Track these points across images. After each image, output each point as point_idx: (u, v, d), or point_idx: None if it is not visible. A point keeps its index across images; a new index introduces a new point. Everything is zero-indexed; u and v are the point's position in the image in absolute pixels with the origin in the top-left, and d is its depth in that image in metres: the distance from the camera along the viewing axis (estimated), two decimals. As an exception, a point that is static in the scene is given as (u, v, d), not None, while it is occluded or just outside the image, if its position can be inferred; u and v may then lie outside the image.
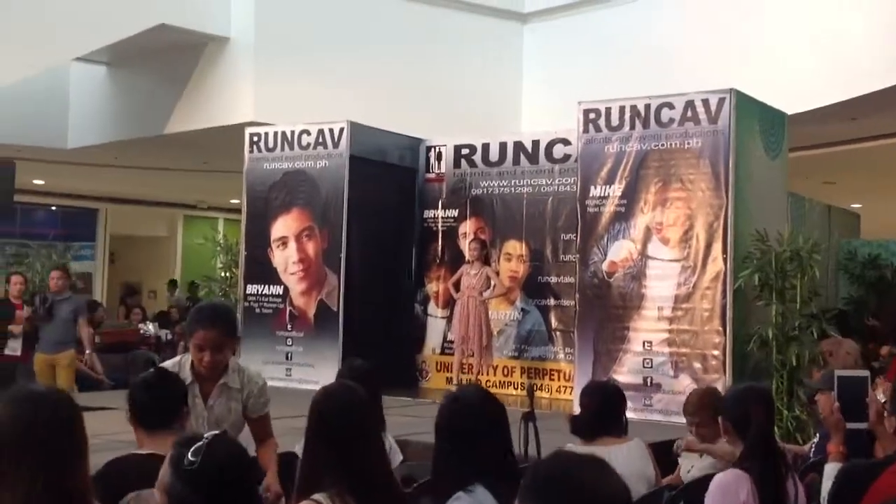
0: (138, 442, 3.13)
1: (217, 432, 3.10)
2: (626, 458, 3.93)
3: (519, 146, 9.53)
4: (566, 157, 9.12)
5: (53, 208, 17.55)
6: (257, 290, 9.58)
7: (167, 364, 3.85)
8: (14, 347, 9.02)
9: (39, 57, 10.19)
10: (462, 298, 8.89)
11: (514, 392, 9.20)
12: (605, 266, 7.92)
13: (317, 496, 2.64)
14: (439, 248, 9.81)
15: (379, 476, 2.75)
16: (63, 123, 12.61)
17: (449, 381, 8.91)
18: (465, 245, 9.59)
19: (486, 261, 8.94)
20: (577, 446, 4.01)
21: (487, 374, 9.24)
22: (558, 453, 1.87)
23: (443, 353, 9.64)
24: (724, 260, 7.45)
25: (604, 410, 4.03)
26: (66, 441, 2.13)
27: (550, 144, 9.32)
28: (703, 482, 4.15)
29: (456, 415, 2.76)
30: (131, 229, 18.23)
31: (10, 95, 10.25)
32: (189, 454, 2.30)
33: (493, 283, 8.95)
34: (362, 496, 2.64)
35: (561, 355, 9.05)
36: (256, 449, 3.90)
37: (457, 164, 9.82)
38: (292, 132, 9.60)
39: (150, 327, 12.49)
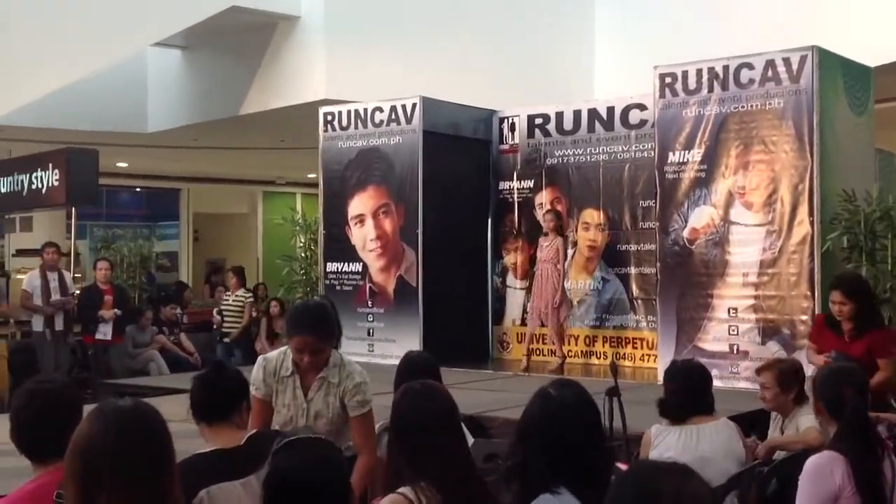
0: (202, 436, 3.19)
1: (300, 436, 3.15)
2: (715, 437, 3.89)
3: (593, 113, 9.39)
4: (642, 123, 8.95)
5: (138, 189, 17.97)
6: (337, 268, 9.69)
7: (271, 355, 3.90)
8: (105, 332, 9.32)
9: (118, 45, 10.40)
10: (537, 270, 8.78)
11: (596, 362, 9.14)
12: (686, 233, 7.78)
13: (402, 490, 2.67)
14: (515, 220, 9.76)
15: (462, 470, 2.76)
16: (143, 108, 12.89)
17: (528, 355, 8.75)
18: (541, 216, 9.54)
19: (560, 231, 8.76)
20: (665, 426, 3.97)
21: (569, 344, 9.20)
22: (641, 464, 1.85)
23: (523, 324, 9.62)
24: (811, 223, 7.26)
25: (689, 391, 3.99)
26: (153, 456, 2.15)
27: (626, 110, 9.16)
28: (794, 460, 4.08)
29: (549, 416, 2.65)
30: (213, 207, 18.56)
31: (91, 84, 10.49)
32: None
33: (560, 254, 8.71)
34: (447, 490, 2.66)
35: (643, 323, 8.95)
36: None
37: (530, 134, 9.73)
38: (365, 110, 9.62)
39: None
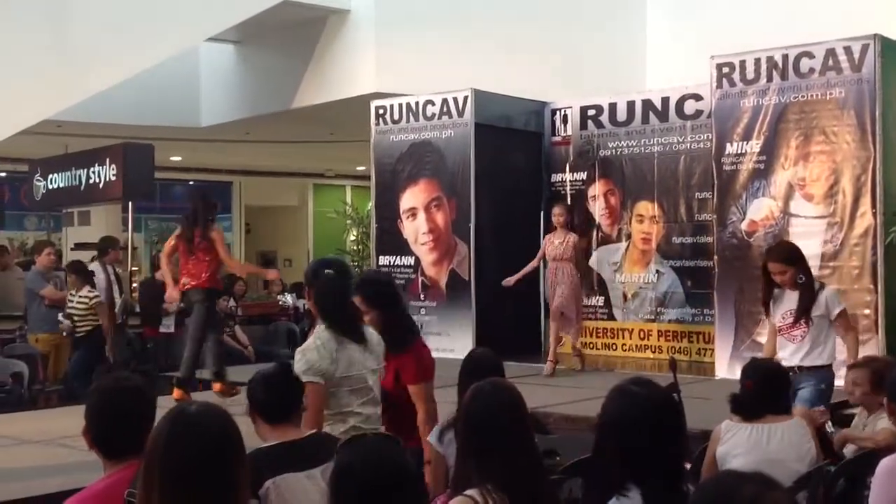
0: (260, 435, 3.19)
1: (366, 433, 3.15)
2: (786, 438, 3.82)
3: (648, 104, 9.27)
4: (698, 113, 8.83)
5: (191, 183, 18.16)
6: (389, 262, 9.71)
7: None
8: (168, 325, 9.44)
9: (173, 40, 10.50)
10: (550, 269, 8.29)
11: (650, 356, 9.05)
12: (744, 225, 7.67)
13: (470, 492, 2.65)
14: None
15: (530, 472, 2.74)
16: (196, 102, 13.02)
17: (577, 352, 8.50)
18: (595, 208, 9.47)
19: (570, 227, 8.35)
20: (736, 423, 3.91)
21: (623, 337, 9.11)
22: (724, 473, 1.82)
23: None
24: (874, 214, 7.13)
25: (765, 390, 3.93)
26: (223, 459, 2.17)
27: (681, 100, 9.03)
28: (862, 459, 4.00)
29: (626, 414, 2.60)
30: (264, 200, 18.71)
31: (146, 79, 10.60)
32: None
33: (578, 250, 8.30)
34: (514, 493, 2.64)
35: (699, 317, 8.82)
36: None
37: (583, 126, 9.64)
38: (417, 103, 9.62)
39: (289, 298, 12.82)
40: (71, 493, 3.59)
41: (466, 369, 3.94)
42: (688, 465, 3.33)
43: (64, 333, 9.18)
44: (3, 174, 11.99)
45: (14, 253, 12.01)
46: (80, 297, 9.03)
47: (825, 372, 5.17)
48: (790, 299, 5.20)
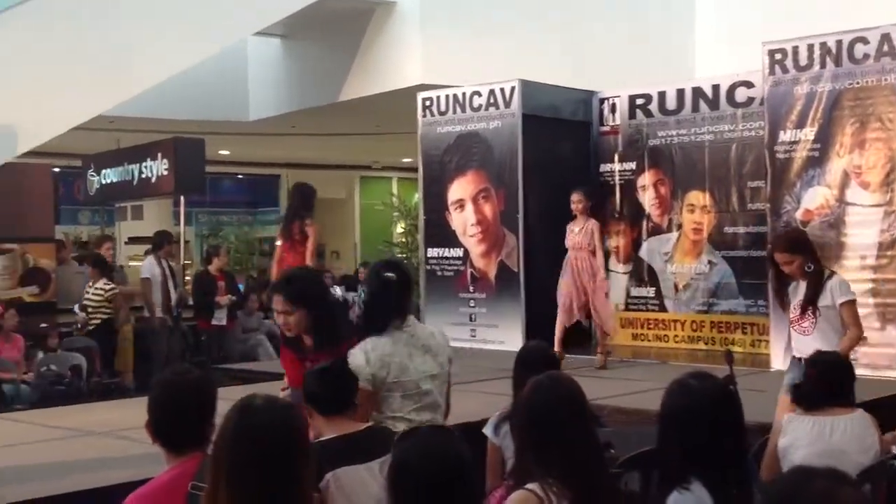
0: (315, 428, 3.19)
1: (423, 425, 3.16)
2: (850, 430, 3.77)
3: (698, 92, 9.16)
4: (750, 101, 8.70)
5: (239, 176, 18.34)
6: (438, 254, 9.72)
7: None
8: (220, 317, 9.57)
9: (222, 34, 10.61)
10: (569, 258, 7.99)
11: (703, 347, 8.97)
12: (798, 214, 7.55)
13: (530, 486, 2.65)
14: (617, 203, 9.61)
15: (591, 464, 2.73)
16: (244, 97, 13.13)
17: (605, 349, 8.19)
18: (645, 198, 9.39)
19: (590, 214, 8.01)
20: (799, 415, 3.86)
21: (674, 329, 9.03)
22: (795, 469, 1.80)
23: (627, 309, 9.50)
24: (933, 202, 6.95)
25: (829, 381, 3.87)
26: (288, 453, 2.19)
27: (732, 88, 8.90)
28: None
29: (687, 408, 2.60)
30: (311, 193, 18.81)
31: (195, 74, 10.71)
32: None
33: (597, 239, 7.95)
34: (575, 486, 2.63)
35: (753, 308, 8.71)
36: None
37: (632, 115, 9.55)
38: (463, 94, 9.61)
39: (338, 291, 12.89)
40: (134, 484, 3.65)
41: (521, 362, 3.92)
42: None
43: (78, 325, 9.40)
44: (57, 169, 12.19)
45: (69, 247, 12.22)
46: (96, 288, 9.36)
47: None
48: (802, 290, 4.98)
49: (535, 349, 4.04)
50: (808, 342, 4.89)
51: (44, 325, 9.34)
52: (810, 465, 1.86)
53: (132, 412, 6.28)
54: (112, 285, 9.51)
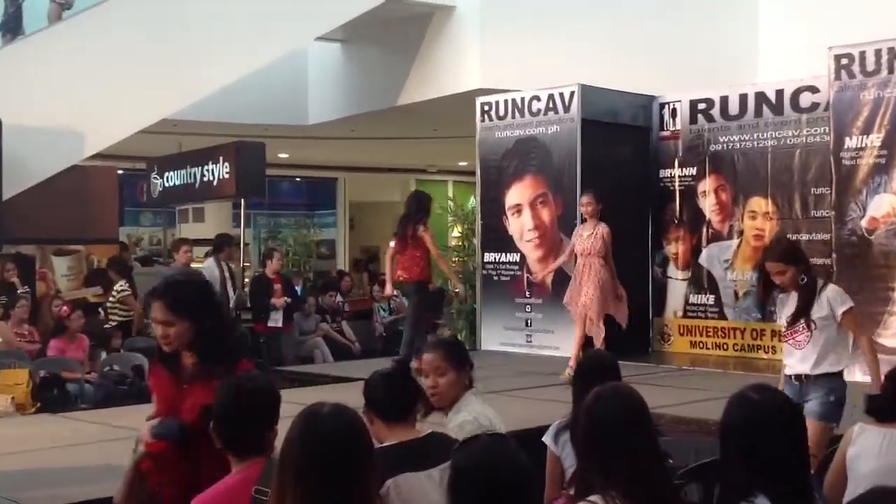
0: (376, 435, 3.17)
1: (483, 433, 3.15)
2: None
3: (761, 97, 9.02)
4: (814, 106, 8.55)
5: (297, 179, 18.52)
6: (494, 258, 9.71)
7: None
8: (276, 319, 9.66)
9: (284, 40, 10.75)
10: (578, 265, 7.60)
11: (763, 356, 8.81)
12: (864, 222, 7.40)
13: (593, 498, 2.63)
14: (677, 208, 9.51)
15: (654, 478, 2.70)
16: (304, 101, 13.27)
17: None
18: (705, 204, 9.27)
19: (601, 217, 7.59)
20: (869, 426, 3.77)
21: (734, 337, 8.89)
22: (876, 490, 1.76)
23: (685, 316, 9.39)
24: None
25: None
26: (353, 461, 2.21)
27: (796, 93, 8.75)
28: None
29: (748, 421, 2.54)
30: (368, 196, 18.93)
31: (256, 79, 10.86)
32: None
33: (607, 244, 7.45)
34: (638, 499, 2.60)
35: (815, 317, 8.53)
36: None
37: (693, 120, 9.45)
38: (522, 99, 9.59)
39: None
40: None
41: (583, 370, 3.88)
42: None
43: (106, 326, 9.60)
44: (121, 172, 12.43)
45: (131, 249, 12.46)
46: (114, 290, 9.57)
47: (835, 380, 4.68)
48: (794, 302, 4.75)
49: (596, 357, 4.00)
50: (802, 356, 4.70)
51: (107, 325, 9.53)
52: (888, 486, 1.82)
53: (193, 413, 6.38)
54: (125, 288, 9.73)
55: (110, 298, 9.73)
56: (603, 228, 7.47)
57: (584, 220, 7.65)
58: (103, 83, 9.49)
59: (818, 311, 4.66)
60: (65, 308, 8.93)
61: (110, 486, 4.42)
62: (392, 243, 7.90)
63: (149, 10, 9.98)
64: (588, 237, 7.50)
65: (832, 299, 4.69)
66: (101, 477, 4.68)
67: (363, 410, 3.28)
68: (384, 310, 11.71)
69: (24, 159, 8.95)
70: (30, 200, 9.26)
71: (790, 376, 4.72)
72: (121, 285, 9.69)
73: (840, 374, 4.72)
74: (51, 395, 7.59)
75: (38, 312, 9.19)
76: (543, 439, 3.87)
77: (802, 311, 4.68)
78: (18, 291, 9.02)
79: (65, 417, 6.59)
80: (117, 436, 5.71)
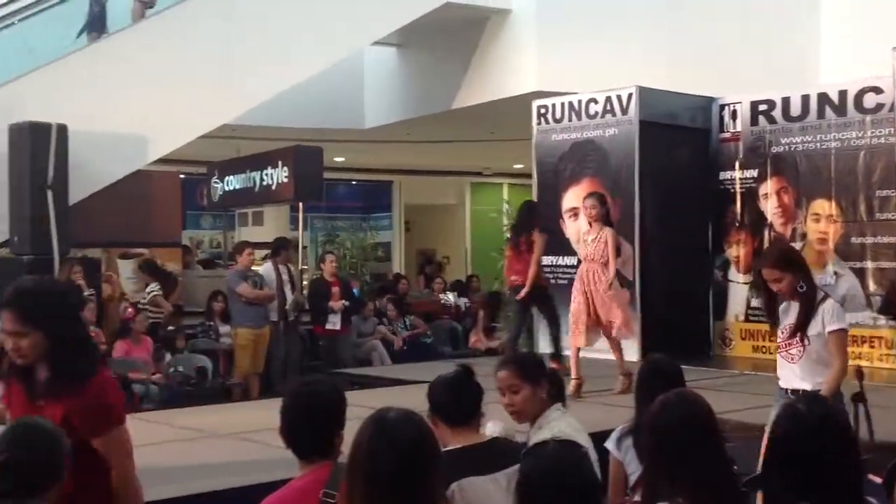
0: (440, 439, 3.19)
1: (551, 439, 3.15)
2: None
3: (824, 98, 8.87)
4: (879, 107, 8.40)
5: (353, 183, 18.64)
6: (552, 262, 9.66)
7: None
8: (334, 322, 9.74)
9: (341, 44, 10.86)
10: (580, 270, 7.28)
11: (827, 361, 8.65)
12: (932, 226, 7.22)
13: (660, 504, 2.62)
14: (738, 211, 9.39)
15: (720, 487, 2.68)
16: (360, 105, 13.37)
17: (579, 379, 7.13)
18: (767, 206, 9.14)
19: (607, 220, 7.30)
20: None
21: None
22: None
23: (747, 320, 9.26)
24: None
25: None
26: (421, 466, 2.24)
27: (860, 94, 8.60)
28: None
29: (793, 433, 2.48)
30: (423, 199, 18.98)
31: (313, 84, 10.97)
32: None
33: (611, 249, 7.11)
34: (704, 505, 2.59)
35: (881, 321, 8.38)
36: None
37: (754, 122, 9.33)
38: (579, 101, 9.56)
39: (450, 297, 13.00)
40: (259, 487, 3.77)
41: (646, 376, 3.86)
42: (879, 479, 3.17)
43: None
44: (182, 176, 12.66)
45: (194, 252, 12.67)
46: (145, 292, 9.80)
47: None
48: (794, 312, 4.48)
49: (659, 363, 3.96)
50: (795, 371, 4.47)
51: (171, 327, 9.71)
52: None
53: (254, 415, 6.50)
54: (155, 289, 9.89)
55: (142, 300, 9.91)
56: (608, 233, 7.19)
57: (589, 225, 7.36)
58: (166, 89, 9.67)
59: (814, 326, 4.42)
60: (130, 310, 9.12)
61: (178, 486, 4.53)
62: (507, 253, 8.29)
63: (207, 20, 10.14)
64: (592, 242, 7.22)
65: (826, 315, 4.43)
66: (168, 477, 4.77)
67: (427, 414, 3.31)
68: (402, 326, 11.51)
69: (90, 164, 9.16)
70: (95, 205, 9.48)
71: (785, 390, 4.48)
72: (152, 287, 9.89)
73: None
74: (117, 396, 7.73)
75: (104, 315, 9.39)
76: (606, 445, 3.85)
77: (802, 325, 4.43)
78: (85, 294, 9.23)
79: (132, 418, 6.70)
80: (183, 436, 5.84)
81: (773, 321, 4.60)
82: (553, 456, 2.44)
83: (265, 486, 3.74)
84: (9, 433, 2.47)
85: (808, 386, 4.39)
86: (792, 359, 4.47)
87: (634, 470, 3.68)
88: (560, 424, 3.50)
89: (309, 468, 2.75)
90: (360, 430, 2.30)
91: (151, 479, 4.65)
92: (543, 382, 3.58)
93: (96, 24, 10.14)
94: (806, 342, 4.42)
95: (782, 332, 4.53)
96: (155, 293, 9.92)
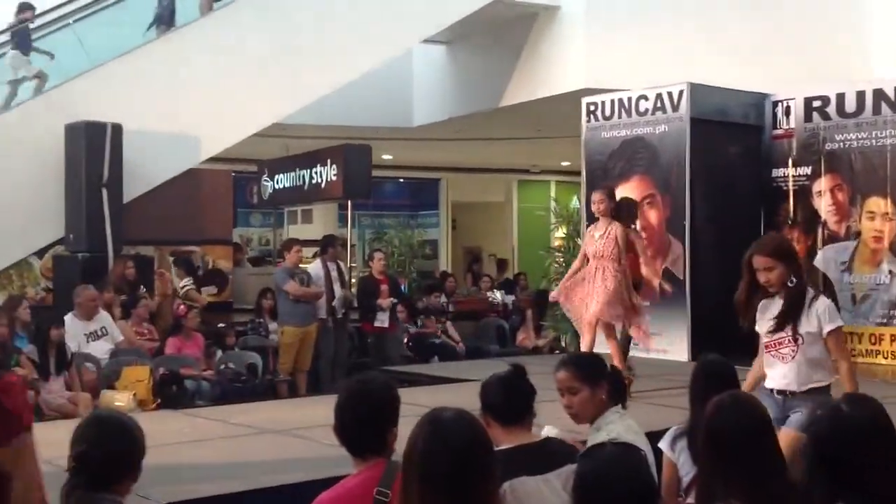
0: (492, 438, 3.20)
1: (607, 441, 3.14)
2: None
3: (879, 94, 8.70)
4: (937, 103, 8.20)
5: (401, 180, 18.70)
6: (599, 260, 9.60)
7: None
8: (382, 319, 9.78)
9: (391, 43, 10.91)
10: (590, 268, 6.81)
11: (882, 362, 8.51)
12: None
13: (714, 507, 2.61)
14: (791, 209, 9.25)
15: (775, 490, 2.65)
16: (408, 103, 13.41)
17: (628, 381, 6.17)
18: (821, 204, 8.99)
19: (615, 216, 6.88)
20: None
21: (851, 342, 8.59)
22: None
23: (799, 319, 9.11)
24: None
25: None
26: (475, 466, 2.24)
27: (917, 89, 8.42)
28: None
29: (834, 437, 2.42)
30: (470, 196, 18.98)
31: (361, 82, 11.02)
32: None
33: (621, 246, 6.70)
34: (759, 509, 2.57)
35: (938, 321, 8.21)
36: None
37: (807, 118, 9.18)
38: (629, 98, 9.48)
39: (498, 295, 12.99)
40: (313, 484, 3.80)
41: (701, 377, 3.82)
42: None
43: None
44: (232, 174, 12.81)
45: (244, 249, 12.80)
46: (179, 286, 9.94)
47: (823, 394, 4.19)
48: (777, 308, 4.25)
49: (714, 364, 3.91)
50: (785, 371, 4.26)
51: (222, 324, 9.82)
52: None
53: (304, 412, 6.55)
54: (186, 284, 10.01)
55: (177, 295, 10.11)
56: (616, 228, 6.75)
57: (596, 220, 6.99)
58: (216, 90, 9.80)
59: (807, 325, 4.21)
60: (181, 307, 9.25)
61: (233, 483, 4.58)
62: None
63: (258, 20, 10.24)
64: (600, 238, 6.77)
65: (821, 314, 4.22)
66: (224, 473, 4.84)
67: (479, 413, 3.31)
68: (414, 324, 11.30)
69: (144, 163, 9.31)
70: (148, 203, 9.63)
71: (771, 390, 4.28)
72: (185, 282, 10.06)
73: (828, 388, 4.26)
74: (170, 392, 7.87)
75: (157, 311, 9.53)
76: (659, 445, 3.82)
77: (786, 316, 4.21)
78: (141, 290, 9.38)
79: (185, 414, 6.82)
80: (236, 433, 5.91)
81: (746, 313, 4.37)
82: (610, 459, 2.44)
83: (318, 483, 3.77)
84: (85, 426, 2.51)
85: (795, 388, 4.23)
86: (783, 358, 4.27)
87: (688, 471, 3.65)
88: (617, 427, 3.47)
89: (363, 466, 2.77)
90: (415, 430, 2.32)
91: (209, 474, 4.74)
92: (603, 384, 3.54)
93: (165, 18, 10.26)
94: (800, 341, 4.22)
95: (768, 328, 4.30)
96: (189, 287, 10.07)
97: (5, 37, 9.98)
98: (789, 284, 4.20)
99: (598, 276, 6.71)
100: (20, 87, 9.89)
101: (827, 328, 4.21)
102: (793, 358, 4.23)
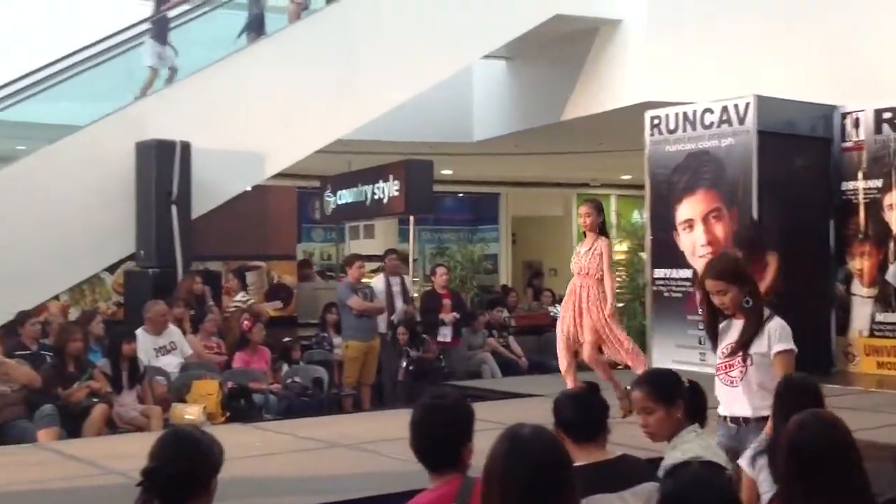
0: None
1: (692, 459, 3.11)
2: None
3: (951, 105, 8.51)
4: None
5: (461, 195, 18.76)
6: (665, 274, 9.52)
7: None
8: (445, 334, 9.82)
9: (452, 59, 10.97)
10: (571, 285, 6.55)
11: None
12: None
13: (795, 527, 2.57)
14: (861, 222, 9.06)
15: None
16: (469, 118, 13.45)
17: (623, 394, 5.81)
18: (892, 218, 8.79)
19: (602, 231, 6.59)
20: None
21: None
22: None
23: (871, 335, 8.92)
24: None
25: None
26: (555, 483, 2.26)
27: None
28: None
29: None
30: (529, 210, 18.95)
31: (422, 98, 11.11)
32: None
33: (606, 262, 6.37)
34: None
35: None
36: None
37: (878, 130, 9.00)
38: (694, 112, 9.38)
39: (559, 309, 12.90)
40: (387, 498, 3.82)
41: (785, 395, 3.74)
42: None
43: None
44: (296, 190, 13.00)
45: (312, 265, 12.94)
46: (234, 301, 10.01)
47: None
48: (736, 330, 4.16)
49: (797, 382, 3.85)
50: (734, 395, 4.14)
51: (287, 338, 9.93)
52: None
53: (369, 426, 6.60)
54: (241, 299, 10.11)
55: (232, 307, 10.24)
56: (602, 244, 6.41)
57: (583, 235, 6.65)
58: (281, 108, 9.95)
59: (758, 345, 4.10)
60: (247, 322, 9.38)
61: (304, 498, 4.63)
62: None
63: (321, 38, 10.38)
64: (585, 254, 6.43)
65: (772, 334, 4.11)
66: (296, 487, 4.89)
67: (553, 430, 3.31)
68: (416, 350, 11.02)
69: (212, 180, 9.48)
70: (216, 218, 9.80)
71: (725, 417, 4.17)
72: (241, 296, 10.20)
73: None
74: (238, 406, 7.97)
75: (225, 326, 9.68)
76: (739, 462, 3.78)
77: (745, 344, 4.11)
78: (209, 304, 9.53)
79: (254, 427, 6.90)
80: (305, 447, 5.97)
81: (713, 341, 4.27)
82: (696, 478, 2.43)
83: (392, 497, 3.79)
84: (161, 442, 2.55)
85: (748, 412, 4.12)
86: (732, 381, 4.15)
87: (767, 489, 3.59)
88: (693, 446, 3.43)
89: (439, 481, 2.78)
90: (495, 447, 2.33)
91: (283, 489, 4.79)
92: (679, 403, 3.51)
93: (255, 26, 10.45)
94: (749, 362, 4.10)
95: (723, 353, 4.19)
96: (239, 303, 10.26)
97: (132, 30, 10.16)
98: (745, 306, 4.13)
99: (583, 295, 6.41)
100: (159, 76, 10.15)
101: (776, 348, 4.10)
102: (741, 380, 4.13)
